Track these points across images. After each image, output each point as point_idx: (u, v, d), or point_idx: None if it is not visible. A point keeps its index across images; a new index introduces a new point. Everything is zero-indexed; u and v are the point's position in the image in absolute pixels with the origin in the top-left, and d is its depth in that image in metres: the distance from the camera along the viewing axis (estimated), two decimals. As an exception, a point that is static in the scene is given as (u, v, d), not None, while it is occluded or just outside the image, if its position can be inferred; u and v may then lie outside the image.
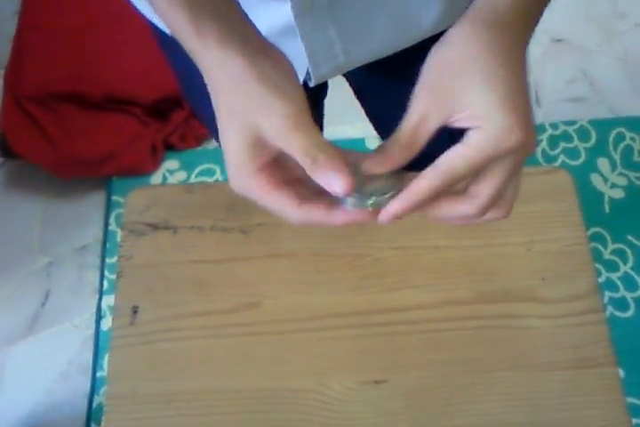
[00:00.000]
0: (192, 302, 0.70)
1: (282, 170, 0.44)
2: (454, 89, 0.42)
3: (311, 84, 0.64)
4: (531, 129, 0.40)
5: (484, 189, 0.42)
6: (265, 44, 0.45)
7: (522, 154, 0.42)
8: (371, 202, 0.40)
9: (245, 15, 0.45)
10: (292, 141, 0.41)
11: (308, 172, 0.41)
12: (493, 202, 0.43)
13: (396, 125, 0.94)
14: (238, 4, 0.45)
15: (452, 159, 0.42)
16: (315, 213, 0.42)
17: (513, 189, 0.44)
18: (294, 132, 0.41)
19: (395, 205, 0.41)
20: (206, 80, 0.43)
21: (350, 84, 0.85)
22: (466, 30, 0.43)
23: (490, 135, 0.40)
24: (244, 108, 0.41)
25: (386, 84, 0.79)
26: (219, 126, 0.43)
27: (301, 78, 0.64)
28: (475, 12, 0.43)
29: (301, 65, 0.62)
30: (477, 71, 0.42)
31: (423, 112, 0.44)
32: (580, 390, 0.64)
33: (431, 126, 0.44)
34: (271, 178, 0.43)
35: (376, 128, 0.94)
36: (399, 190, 0.40)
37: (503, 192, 0.43)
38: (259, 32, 0.45)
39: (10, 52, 1.61)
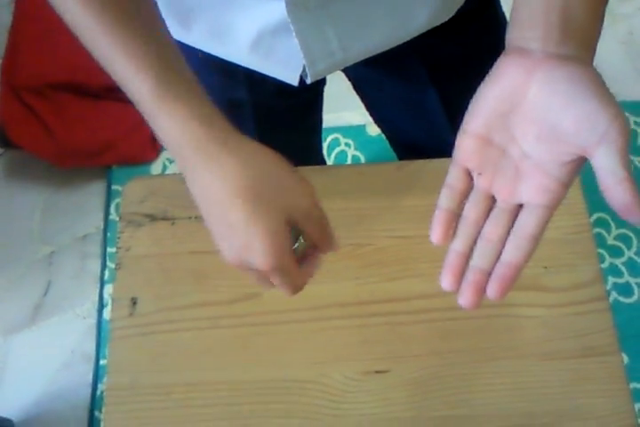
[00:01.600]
0: (191, 293, 0.69)
1: None
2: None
3: (308, 82, 0.63)
4: None
5: None
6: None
7: None
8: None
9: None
10: (322, 215, 0.49)
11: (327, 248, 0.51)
12: None
13: (393, 118, 0.94)
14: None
15: None
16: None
17: None
18: (319, 208, 0.49)
19: None
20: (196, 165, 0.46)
21: (348, 78, 0.84)
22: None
23: None
24: (274, 192, 0.46)
25: (383, 77, 0.79)
26: (225, 210, 0.46)
27: (297, 76, 0.63)
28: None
29: (297, 62, 0.61)
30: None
31: None
32: (584, 379, 0.64)
33: None
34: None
35: (375, 120, 0.93)
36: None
37: None
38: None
39: (6, 41, 1.59)
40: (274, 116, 0.81)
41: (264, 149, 0.47)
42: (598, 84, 0.39)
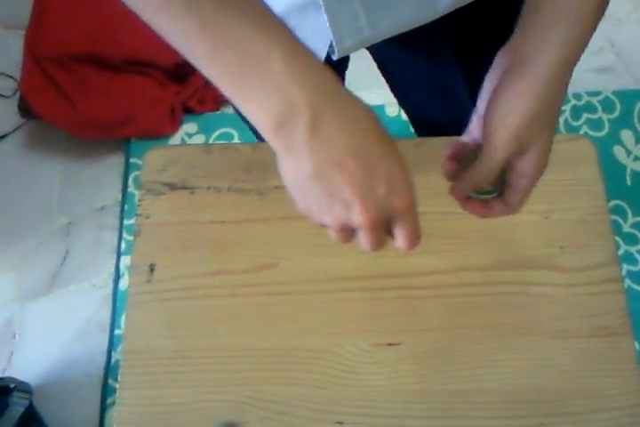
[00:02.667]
0: (208, 262, 0.70)
1: None
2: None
3: (334, 58, 0.63)
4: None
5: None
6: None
7: None
8: (482, 197, 0.54)
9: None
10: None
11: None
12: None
13: (416, 97, 0.94)
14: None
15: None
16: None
17: None
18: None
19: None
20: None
21: (373, 57, 0.84)
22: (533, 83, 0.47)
23: None
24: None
25: (410, 56, 0.78)
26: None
27: (324, 52, 0.63)
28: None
29: (324, 39, 0.61)
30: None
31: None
32: (594, 358, 0.64)
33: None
34: None
35: (398, 100, 0.93)
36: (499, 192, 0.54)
37: None
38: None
39: (30, 12, 1.60)
40: None
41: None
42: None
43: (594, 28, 0.47)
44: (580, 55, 0.48)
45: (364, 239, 0.47)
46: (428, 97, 0.86)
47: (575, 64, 0.48)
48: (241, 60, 0.41)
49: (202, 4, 0.40)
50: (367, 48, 0.74)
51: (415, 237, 0.48)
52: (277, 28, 0.43)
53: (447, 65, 0.76)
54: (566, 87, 0.49)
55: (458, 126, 0.87)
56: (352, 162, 0.42)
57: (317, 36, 0.62)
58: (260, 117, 0.41)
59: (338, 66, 0.80)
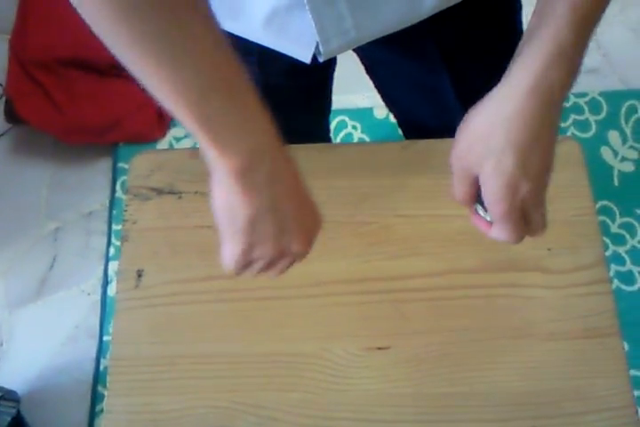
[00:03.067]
0: (196, 267, 0.70)
1: None
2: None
3: (321, 60, 0.63)
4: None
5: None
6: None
7: None
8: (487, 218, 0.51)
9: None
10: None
11: None
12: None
13: (404, 100, 0.94)
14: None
15: None
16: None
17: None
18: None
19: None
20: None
21: (360, 59, 0.84)
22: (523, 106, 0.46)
23: None
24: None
25: (397, 58, 0.78)
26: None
27: (310, 53, 0.63)
28: (531, 84, 0.45)
29: (310, 40, 0.61)
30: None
31: None
32: (584, 360, 0.64)
33: None
34: None
35: (386, 102, 0.93)
36: None
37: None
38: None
39: (15, 16, 1.59)
40: (284, 97, 0.81)
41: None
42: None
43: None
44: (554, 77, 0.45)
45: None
46: (415, 99, 0.86)
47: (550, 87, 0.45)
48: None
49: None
50: (354, 50, 0.74)
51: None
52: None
53: (434, 66, 0.76)
54: (540, 116, 0.46)
55: (445, 128, 0.87)
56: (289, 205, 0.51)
57: (303, 37, 0.62)
58: (226, 160, 0.47)
59: (325, 67, 0.80)
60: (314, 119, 0.95)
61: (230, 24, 0.65)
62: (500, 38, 0.75)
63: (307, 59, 0.64)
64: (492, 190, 0.47)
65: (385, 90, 0.90)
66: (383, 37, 0.64)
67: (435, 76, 0.77)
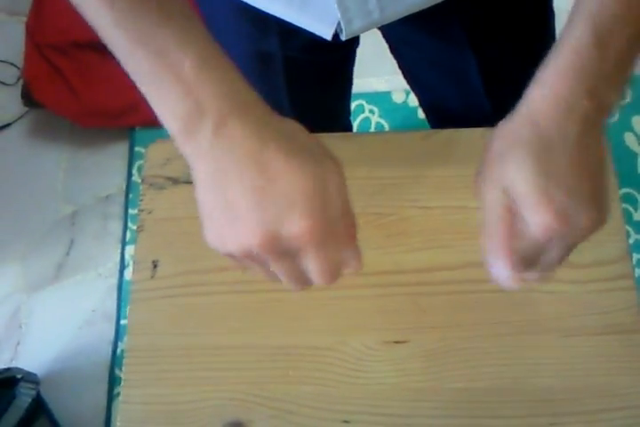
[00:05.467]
0: (212, 258, 0.69)
1: None
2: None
3: (343, 39, 0.62)
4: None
5: None
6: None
7: None
8: None
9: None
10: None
11: None
12: None
13: (429, 80, 0.91)
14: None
15: None
16: None
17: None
18: None
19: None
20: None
21: (384, 37, 0.82)
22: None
23: None
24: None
25: (423, 38, 0.77)
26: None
27: (332, 31, 0.62)
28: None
29: (332, 18, 0.60)
30: None
31: None
32: (606, 357, 0.63)
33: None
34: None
35: (408, 81, 0.91)
36: None
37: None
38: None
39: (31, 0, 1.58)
40: (305, 73, 0.79)
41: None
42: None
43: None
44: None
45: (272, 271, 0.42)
46: (439, 79, 0.84)
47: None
48: (153, 59, 0.40)
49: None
50: (378, 28, 0.72)
51: (329, 274, 0.41)
52: (194, 29, 0.41)
53: (460, 48, 0.74)
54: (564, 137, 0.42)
55: (469, 111, 0.85)
56: (248, 171, 0.38)
57: (325, 15, 0.60)
58: (169, 121, 0.40)
59: (347, 45, 0.78)
60: (335, 99, 0.93)
61: None
62: (531, 22, 0.73)
63: (328, 36, 0.63)
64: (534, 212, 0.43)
65: (408, 68, 0.88)
66: (408, 16, 0.62)
67: (460, 58, 0.76)
